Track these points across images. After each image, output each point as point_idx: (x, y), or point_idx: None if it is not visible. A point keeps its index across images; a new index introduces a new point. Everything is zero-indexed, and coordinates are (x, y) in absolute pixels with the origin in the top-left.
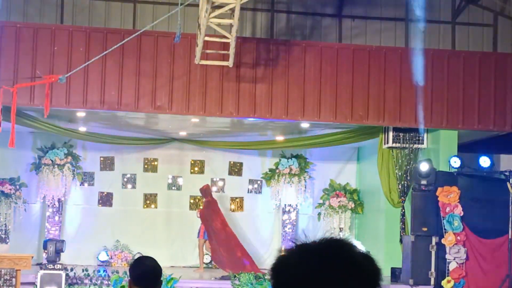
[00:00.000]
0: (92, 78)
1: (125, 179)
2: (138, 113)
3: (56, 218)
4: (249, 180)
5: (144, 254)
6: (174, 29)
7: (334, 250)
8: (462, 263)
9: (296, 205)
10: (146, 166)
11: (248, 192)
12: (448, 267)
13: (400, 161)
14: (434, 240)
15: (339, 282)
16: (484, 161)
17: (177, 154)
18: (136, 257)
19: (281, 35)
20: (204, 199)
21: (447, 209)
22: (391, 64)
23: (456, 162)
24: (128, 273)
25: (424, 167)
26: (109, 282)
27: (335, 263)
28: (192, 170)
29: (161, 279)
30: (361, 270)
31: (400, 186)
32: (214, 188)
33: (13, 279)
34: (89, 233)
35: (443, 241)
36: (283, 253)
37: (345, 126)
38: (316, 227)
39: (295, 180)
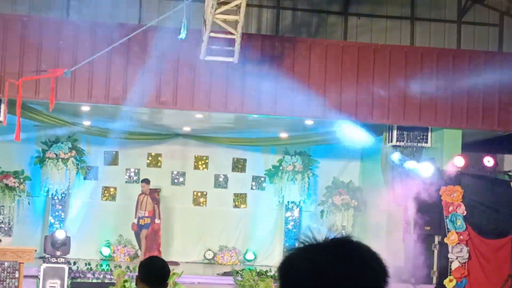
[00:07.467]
0: (97, 72)
1: (129, 174)
2: (143, 108)
3: (60, 211)
4: (253, 176)
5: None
6: (180, 24)
7: (342, 248)
8: (465, 263)
9: (299, 202)
10: (149, 161)
11: (251, 188)
12: (450, 266)
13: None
14: (436, 239)
15: (347, 280)
16: (488, 161)
17: (181, 149)
18: (138, 252)
19: (287, 32)
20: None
21: (450, 208)
22: (396, 62)
23: (460, 162)
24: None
25: (426, 166)
26: (112, 277)
27: (342, 261)
28: (195, 166)
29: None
30: (368, 268)
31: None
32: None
33: (16, 272)
34: (92, 227)
35: (445, 240)
36: (289, 252)
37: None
38: (318, 225)
39: (298, 177)
